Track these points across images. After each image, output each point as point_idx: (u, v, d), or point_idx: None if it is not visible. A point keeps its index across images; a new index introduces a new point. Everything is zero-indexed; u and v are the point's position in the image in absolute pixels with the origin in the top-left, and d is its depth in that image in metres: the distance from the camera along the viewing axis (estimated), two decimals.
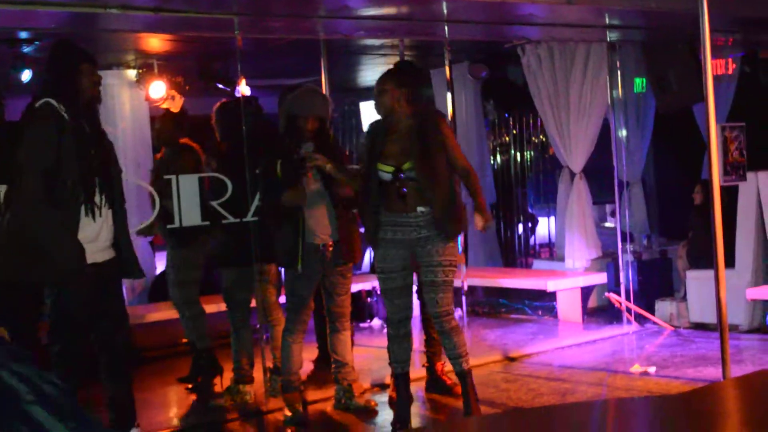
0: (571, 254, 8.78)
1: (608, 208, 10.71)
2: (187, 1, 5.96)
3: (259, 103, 6.51)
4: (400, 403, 5.34)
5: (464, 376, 5.17)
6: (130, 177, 7.03)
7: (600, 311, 8.74)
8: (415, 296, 5.49)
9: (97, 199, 4.50)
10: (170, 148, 6.60)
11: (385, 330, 5.41)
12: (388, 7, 6.61)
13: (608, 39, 8.24)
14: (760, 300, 7.65)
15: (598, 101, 8.49)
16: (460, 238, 6.04)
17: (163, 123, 6.81)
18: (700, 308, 7.88)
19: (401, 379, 5.33)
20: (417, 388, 5.98)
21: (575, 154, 8.66)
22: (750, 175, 7.57)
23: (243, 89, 6.66)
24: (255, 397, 6.14)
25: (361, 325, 8.79)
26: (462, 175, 5.22)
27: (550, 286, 8.43)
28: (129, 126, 8.65)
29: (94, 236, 4.50)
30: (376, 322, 8.92)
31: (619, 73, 8.53)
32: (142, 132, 8.72)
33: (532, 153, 10.89)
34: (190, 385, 6.62)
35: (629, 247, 8.64)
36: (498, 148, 11.05)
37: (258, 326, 6.24)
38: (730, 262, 7.16)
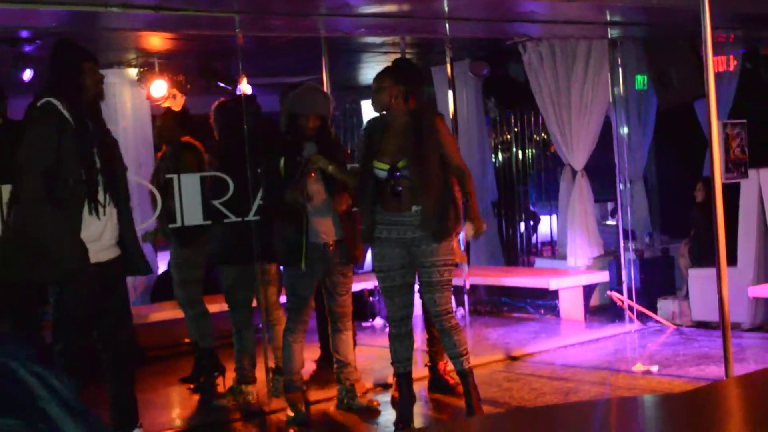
0: (573, 252, 8.76)
1: (610, 205, 10.69)
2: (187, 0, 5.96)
3: (257, 101, 6.50)
4: (403, 403, 5.33)
5: (465, 375, 5.15)
6: (131, 176, 7.02)
7: (602, 310, 8.72)
8: (416, 295, 5.47)
9: (100, 197, 4.48)
10: (171, 147, 6.59)
11: (387, 329, 5.40)
12: (389, 5, 6.60)
13: (609, 36, 8.23)
14: (763, 298, 7.64)
15: (599, 98, 8.48)
16: (462, 236, 5.99)
17: (164, 122, 6.79)
18: (703, 306, 7.86)
19: (404, 378, 5.32)
20: (420, 388, 5.97)
21: (577, 151, 8.64)
22: (752, 172, 7.55)
23: (244, 87, 6.65)
24: (257, 397, 6.13)
25: (363, 324, 8.79)
26: (456, 175, 5.16)
27: (552, 284, 8.41)
28: (130, 125, 8.65)
29: (98, 235, 4.49)
30: (378, 322, 8.91)
31: (620, 70, 8.52)
32: (144, 131, 8.71)
33: (534, 151, 10.88)
34: (192, 386, 6.62)
35: (631, 245, 8.62)
36: (499, 146, 11.04)
37: (261, 326, 6.24)
38: (732, 260, 7.15)
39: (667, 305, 8.25)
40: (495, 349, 7.45)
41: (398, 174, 5.04)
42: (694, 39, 7.57)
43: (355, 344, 5.99)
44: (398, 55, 8.04)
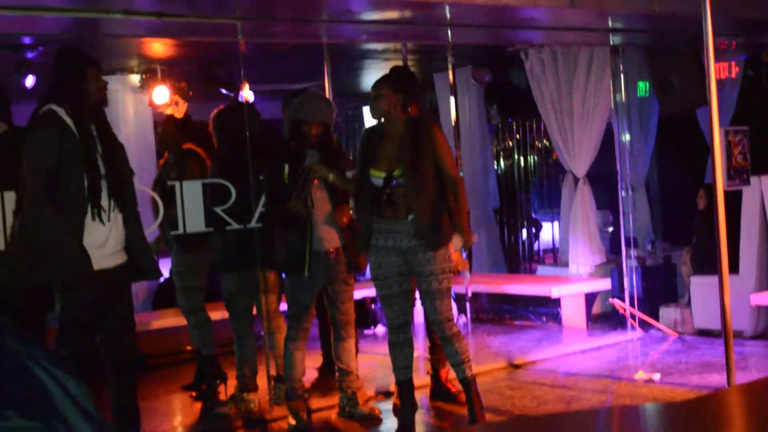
0: (575, 260, 8.76)
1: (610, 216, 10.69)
2: (189, 6, 5.96)
3: (255, 108, 6.49)
4: (405, 411, 5.32)
5: (468, 383, 5.13)
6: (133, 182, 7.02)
7: (604, 317, 8.71)
8: (418, 302, 5.46)
9: (104, 203, 4.47)
10: (174, 154, 6.58)
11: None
12: (391, 12, 6.60)
13: (611, 43, 8.23)
14: (765, 305, 7.62)
15: (601, 105, 8.48)
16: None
17: (166, 128, 6.78)
18: (705, 314, 7.85)
19: (405, 386, 5.30)
20: (422, 396, 5.95)
21: (579, 158, 8.64)
22: (754, 179, 7.56)
23: (246, 94, 6.64)
24: (259, 405, 6.11)
25: (365, 331, 8.77)
26: (449, 185, 5.11)
27: (555, 292, 8.40)
28: (132, 131, 8.65)
29: (103, 241, 4.46)
30: (380, 329, 8.89)
31: (622, 77, 8.51)
32: (146, 137, 8.72)
33: (536, 158, 10.88)
34: (194, 393, 6.60)
35: (633, 252, 8.61)
36: (501, 153, 11.05)
37: (262, 334, 6.23)
38: (734, 268, 7.14)
39: (669, 313, 8.23)
40: (497, 356, 7.43)
41: (394, 182, 5.03)
42: (695, 46, 7.56)
43: (357, 352, 5.98)
44: (400, 62, 8.04)
